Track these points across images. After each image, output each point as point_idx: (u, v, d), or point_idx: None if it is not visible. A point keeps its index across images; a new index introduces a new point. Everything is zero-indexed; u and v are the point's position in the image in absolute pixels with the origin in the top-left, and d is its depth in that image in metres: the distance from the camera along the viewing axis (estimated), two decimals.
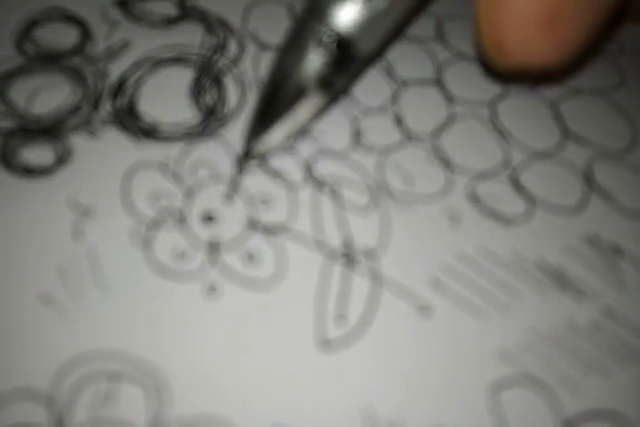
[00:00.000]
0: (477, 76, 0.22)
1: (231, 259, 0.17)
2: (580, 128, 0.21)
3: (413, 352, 0.17)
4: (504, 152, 0.20)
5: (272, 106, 0.18)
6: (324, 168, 0.19)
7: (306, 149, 0.19)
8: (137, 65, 0.20)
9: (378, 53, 0.21)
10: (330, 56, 0.17)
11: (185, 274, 0.17)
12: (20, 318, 0.16)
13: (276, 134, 0.18)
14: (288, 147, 0.19)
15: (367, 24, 0.17)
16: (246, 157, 0.18)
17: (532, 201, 0.19)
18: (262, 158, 0.19)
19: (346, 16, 0.17)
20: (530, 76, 0.21)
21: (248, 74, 0.20)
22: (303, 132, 0.19)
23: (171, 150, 0.19)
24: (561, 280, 0.18)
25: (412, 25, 0.22)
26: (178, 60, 0.20)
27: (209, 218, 0.18)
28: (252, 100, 0.20)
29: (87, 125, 0.19)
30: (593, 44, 0.18)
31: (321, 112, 0.19)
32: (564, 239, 0.19)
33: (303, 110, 0.18)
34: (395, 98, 0.21)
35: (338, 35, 0.17)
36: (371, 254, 0.18)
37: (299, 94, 0.17)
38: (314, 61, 0.17)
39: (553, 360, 0.17)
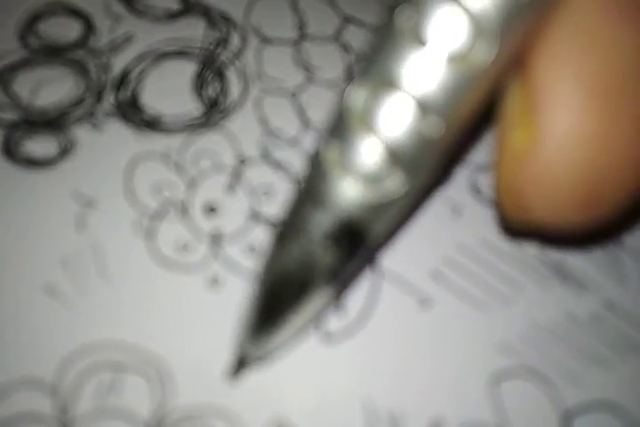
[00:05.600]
0: None
1: (233, 251, 0.17)
2: None
3: (414, 344, 0.17)
4: None
5: (272, 308, 0.15)
6: None
7: (309, 140, 0.19)
8: (140, 58, 0.20)
9: (389, 237, 0.18)
10: (338, 248, 0.14)
11: (188, 266, 0.17)
12: (24, 309, 0.16)
13: (278, 338, 0.15)
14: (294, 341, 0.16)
15: (379, 209, 0.14)
16: (242, 364, 0.16)
17: None
18: (261, 361, 0.16)
19: (353, 202, 0.13)
20: (555, 238, 0.18)
21: (250, 67, 0.20)
22: (307, 329, 0.17)
23: (173, 141, 0.19)
24: (561, 272, 0.18)
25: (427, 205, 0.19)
26: (180, 54, 0.20)
27: (211, 209, 0.18)
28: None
29: (90, 118, 0.19)
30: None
31: (327, 307, 0.16)
32: None
33: (309, 309, 0.15)
34: None
35: (347, 224, 0.14)
36: None
37: (304, 292, 0.14)
38: (320, 255, 0.14)
39: (553, 352, 0.17)
